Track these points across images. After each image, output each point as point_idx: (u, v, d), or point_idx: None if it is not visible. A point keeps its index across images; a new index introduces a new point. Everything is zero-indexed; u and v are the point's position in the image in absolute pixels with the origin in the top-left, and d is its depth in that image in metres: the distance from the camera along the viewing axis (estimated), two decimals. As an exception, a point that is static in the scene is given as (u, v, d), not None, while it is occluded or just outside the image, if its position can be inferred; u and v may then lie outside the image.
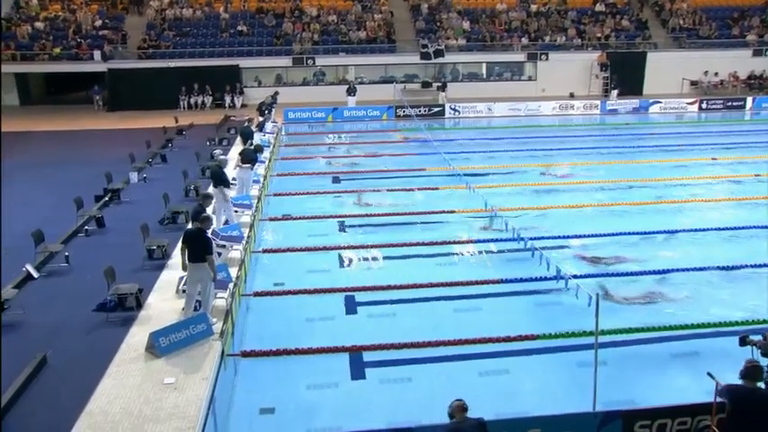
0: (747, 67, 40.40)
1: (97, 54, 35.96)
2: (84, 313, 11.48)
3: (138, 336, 10.54)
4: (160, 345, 9.98)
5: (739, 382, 7.18)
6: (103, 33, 37.50)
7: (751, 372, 7.16)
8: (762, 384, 7.94)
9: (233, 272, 12.54)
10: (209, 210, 13.49)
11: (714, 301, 12.74)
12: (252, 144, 20.69)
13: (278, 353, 10.84)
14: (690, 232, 16.48)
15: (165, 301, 11.86)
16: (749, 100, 37.31)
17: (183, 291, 11.62)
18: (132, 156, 22.67)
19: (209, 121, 31.02)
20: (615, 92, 37.43)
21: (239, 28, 39.00)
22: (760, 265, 14.18)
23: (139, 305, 11.66)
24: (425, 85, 38.88)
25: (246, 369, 10.60)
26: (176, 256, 13.57)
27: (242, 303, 12.51)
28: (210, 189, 15.39)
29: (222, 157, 17.40)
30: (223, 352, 10.19)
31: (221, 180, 15.48)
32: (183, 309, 11.15)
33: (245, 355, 10.82)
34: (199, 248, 10.83)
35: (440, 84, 36.82)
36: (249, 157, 17.78)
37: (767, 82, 40.25)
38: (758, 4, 43.75)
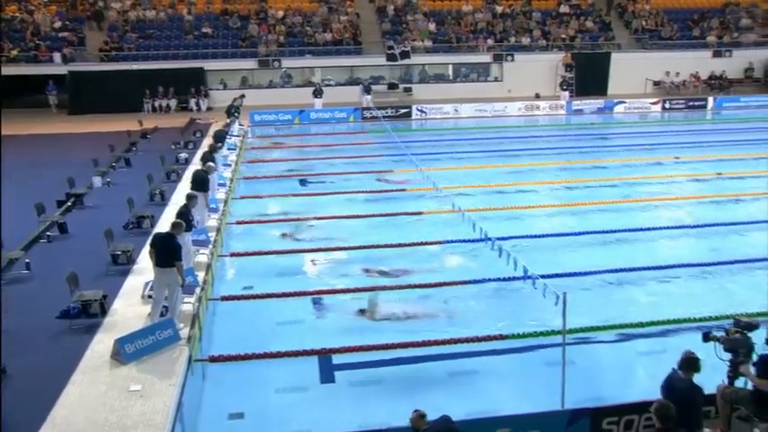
0: (708, 67, 41.27)
1: (57, 56, 35.37)
2: (46, 321, 11.26)
3: (103, 343, 10.40)
4: (126, 351, 9.84)
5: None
6: (63, 35, 36.87)
7: (685, 363, 7.40)
8: (725, 380, 8.13)
9: (200, 276, 12.42)
10: (193, 210, 13.44)
11: (679, 298, 13.00)
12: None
13: (246, 357, 10.75)
14: (653, 231, 16.74)
15: (130, 307, 11.71)
16: (710, 100, 38.15)
17: (149, 296, 11.50)
18: (95, 160, 22.33)
19: (174, 125, 30.73)
20: (566, 93, 37.80)
21: (204, 30, 38.67)
22: (723, 263, 14.47)
23: (104, 311, 11.48)
24: (392, 86, 38.98)
25: (215, 374, 10.50)
26: (141, 262, 13.45)
27: (209, 308, 12.39)
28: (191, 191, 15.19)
29: (211, 164, 17.29)
30: (190, 357, 10.10)
31: (203, 185, 15.53)
32: (150, 314, 11.02)
33: (213, 360, 10.72)
34: (167, 254, 10.73)
35: (364, 86, 36.43)
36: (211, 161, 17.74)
37: (727, 82, 41.15)
38: (717, 6, 44.75)
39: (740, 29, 42.97)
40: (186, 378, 9.63)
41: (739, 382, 8.14)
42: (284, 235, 16.66)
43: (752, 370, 7.91)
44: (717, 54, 41.42)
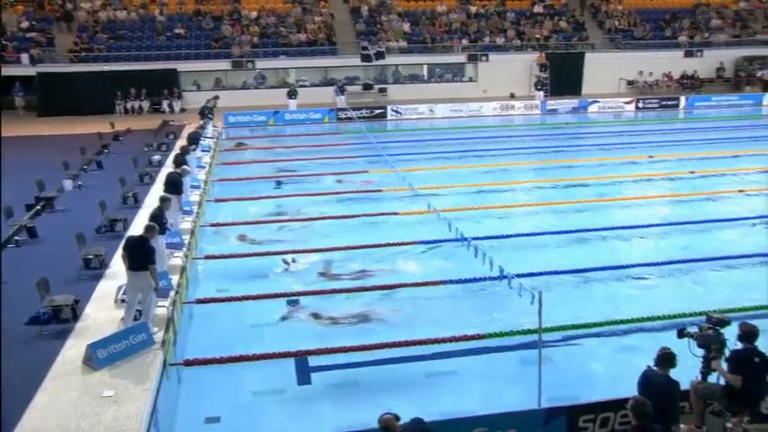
0: (680, 67, 41.87)
1: (25, 57, 34.84)
2: (15, 328, 11.05)
3: (74, 348, 10.25)
4: (98, 357, 9.72)
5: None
6: (31, 36, 36.35)
7: (661, 358, 7.56)
8: (698, 375, 8.25)
9: (174, 279, 12.33)
10: (167, 213, 13.32)
11: (653, 296, 13.17)
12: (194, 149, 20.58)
13: (222, 360, 10.68)
14: (628, 229, 16.93)
15: (103, 312, 11.56)
16: (683, 99, 38.72)
17: (123, 300, 11.36)
18: (66, 162, 22.04)
19: (147, 127, 30.44)
20: (540, 93, 38.09)
21: (176, 31, 38.40)
22: (697, 260, 14.68)
23: (76, 317, 11.32)
24: (367, 87, 39.00)
25: (190, 378, 10.42)
26: (114, 265, 13.30)
27: (184, 311, 12.30)
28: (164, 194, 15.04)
29: (185, 167, 17.17)
30: (165, 361, 10.01)
31: (176, 188, 15.41)
32: (123, 318, 10.89)
33: (189, 363, 10.63)
34: (141, 257, 10.62)
35: (338, 86, 36.43)
36: (183, 163, 17.61)
37: (698, 82, 41.78)
38: (688, 6, 45.42)
39: (711, 29, 43.67)
40: (161, 382, 9.54)
41: (712, 378, 8.26)
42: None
43: (724, 365, 8.04)
44: (688, 54, 42.06)
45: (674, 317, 11.78)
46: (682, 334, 8.27)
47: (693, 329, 8.30)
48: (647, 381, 7.58)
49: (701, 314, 11.71)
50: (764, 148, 26.20)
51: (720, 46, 42.79)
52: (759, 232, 16.83)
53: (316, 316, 12.46)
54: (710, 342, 8.12)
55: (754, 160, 24.29)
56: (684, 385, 7.97)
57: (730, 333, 8.22)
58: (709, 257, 14.78)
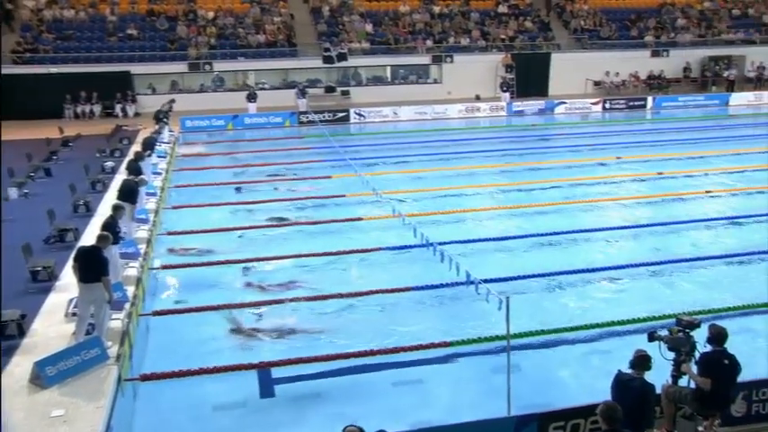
0: (647, 67, 42.73)
1: (-39, 58, 34.05)
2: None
3: (21, 366, 9.99)
4: (47, 374, 9.50)
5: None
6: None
7: (638, 361, 7.69)
8: (668, 379, 8.38)
9: (129, 291, 12.14)
10: (120, 222, 13.11)
11: (622, 299, 13.35)
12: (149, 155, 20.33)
13: (181, 374, 10.52)
14: (596, 231, 17.16)
15: (52, 327, 11.32)
16: (650, 99, 39.50)
17: (74, 314, 11.14)
18: (11, 170, 21.53)
19: (99, 132, 29.98)
20: (506, 94, 38.47)
21: (129, 31, 37.90)
22: (665, 262, 14.92)
23: (22, 332, 11.05)
24: (329, 89, 38.97)
25: (147, 394, 10.26)
26: (65, 277, 13.05)
27: (140, 324, 12.11)
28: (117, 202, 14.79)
29: (143, 177, 16.95)
30: (120, 377, 9.83)
31: (131, 196, 15.21)
32: (74, 333, 10.69)
33: (145, 378, 10.46)
34: (93, 268, 10.43)
35: (300, 89, 36.41)
36: (137, 169, 17.37)
37: (665, 82, 42.62)
38: (653, 6, 46.34)
39: (676, 29, 44.62)
40: (115, 399, 9.36)
41: (683, 381, 8.39)
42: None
43: (694, 368, 8.18)
44: (655, 54, 42.93)
45: (645, 320, 11.99)
46: (652, 337, 8.39)
47: (664, 333, 8.43)
48: (621, 384, 7.66)
49: (671, 317, 11.95)
50: (731, 149, 26.84)
51: (686, 46, 43.78)
52: (727, 233, 17.19)
53: (277, 326, 12.36)
54: (680, 345, 8.24)
55: (722, 161, 24.84)
56: (656, 389, 8.08)
57: (700, 335, 8.37)
58: (679, 259, 15.04)
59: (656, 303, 12.76)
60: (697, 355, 8.21)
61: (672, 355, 8.33)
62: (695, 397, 8.15)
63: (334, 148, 26.70)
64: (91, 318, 10.60)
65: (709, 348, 8.14)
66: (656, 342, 8.35)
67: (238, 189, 21.88)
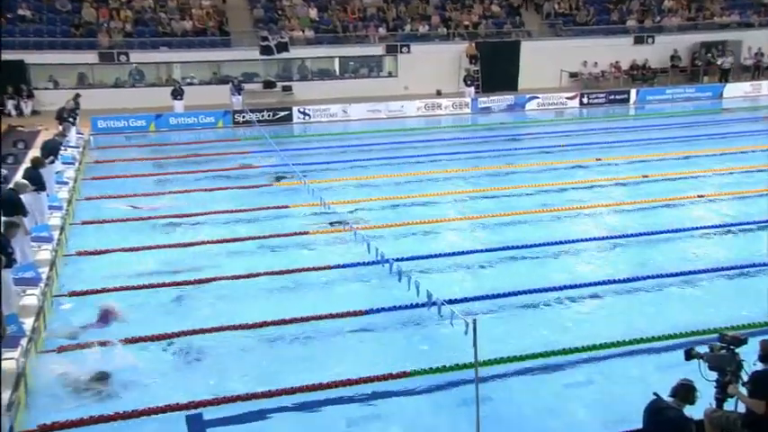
0: (629, 55, 43.56)
1: None
2: None
3: None
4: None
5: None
6: None
7: (682, 390, 7.65)
8: (712, 402, 8.37)
9: (27, 323, 11.85)
10: (13, 242, 12.81)
11: (605, 319, 13.51)
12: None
13: (91, 421, 10.29)
14: (574, 243, 17.36)
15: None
16: (633, 92, 40.30)
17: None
18: None
19: (-13, 134, 29.33)
20: (471, 89, 38.96)
21: (20, 12, 36.90)
22: (654, 276, 15.14)
23: None
24: (268, 85, 38.89)
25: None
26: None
27: (41, 361, 11.82)
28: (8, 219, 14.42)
29: (21, 180, 16.50)
30: (12, 429, 9.55)
31: (18, 208, 14.71)
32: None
33: (45, 429, 10.16)
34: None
35: (234, 84, 36.56)
36: (36, 178, 17.02)
37: (650, 72, 43.39)
38: (637, -14, 47.29)
39: (663, 12, 45.47)
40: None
41: (729, 405, 8.44)
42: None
43: (742, 390, 8.22)
44: (638, 41, 43.76)
45: (632, 342, 12.13)
46: (690, 355, 8.44)
47: (704, 350, 8.48)
48: (657, 412, 7.62)
49: (661, 339, 12.20)
50: (725, 147, 27.46)
51: (674, 31, 44.74)
52: (723, 242, 17.55)
53: (209, 358, 12.20)
54: (724, 364, 8.27)
55: (715, 161, 25.41)
56: (697, 415, 8.10)
57: (747, 353, 8.40)
58: (670, 273, 15.22)
59: (643, 323, 12.91)
60: (745, 375, 8.27)
61: (714, 375, 8.36)
62: (746, 422, 8.17)
63: (274, 152, 26.59)
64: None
65: (760, 366, 8.20)
66: (694, 360, 8.38)
67: (160, 200, 21.56)
